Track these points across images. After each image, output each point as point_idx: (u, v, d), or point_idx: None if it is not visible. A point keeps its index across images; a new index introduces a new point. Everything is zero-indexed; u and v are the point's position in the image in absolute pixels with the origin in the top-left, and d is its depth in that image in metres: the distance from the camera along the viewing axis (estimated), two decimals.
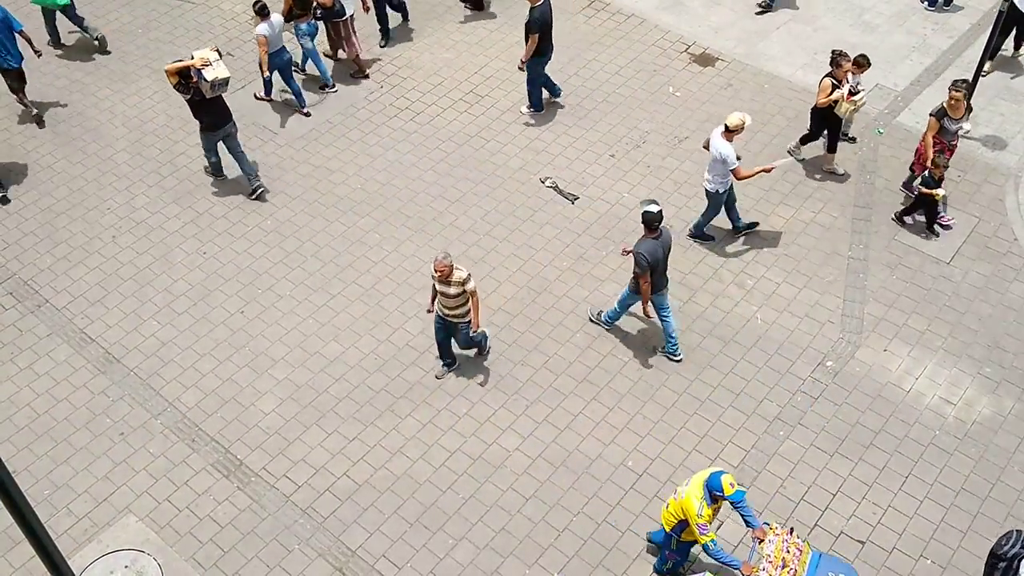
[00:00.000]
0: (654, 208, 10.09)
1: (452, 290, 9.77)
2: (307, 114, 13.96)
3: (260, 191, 12.74)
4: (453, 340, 10.50)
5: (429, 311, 10.44)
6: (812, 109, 12.60)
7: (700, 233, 12.14)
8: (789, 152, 13.14)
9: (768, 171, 11.58)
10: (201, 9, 15.77)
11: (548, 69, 13.70)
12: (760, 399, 10.61)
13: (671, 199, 12.71)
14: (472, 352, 10.90)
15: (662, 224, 10.21)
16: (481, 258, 12.05)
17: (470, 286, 9.78)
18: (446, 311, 10.04)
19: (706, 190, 11.67)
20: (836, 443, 10.24)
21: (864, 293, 11.63)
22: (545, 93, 13.98)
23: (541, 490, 9.88)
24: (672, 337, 10.81)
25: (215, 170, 13.00)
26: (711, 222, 12.03)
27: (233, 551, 9.44)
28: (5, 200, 12.53)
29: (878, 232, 12.26)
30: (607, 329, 11.21)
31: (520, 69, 13.62)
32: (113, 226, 12.49)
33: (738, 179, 11.48)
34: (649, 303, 10.44)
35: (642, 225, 10.19)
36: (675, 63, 14.84)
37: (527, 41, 13.02)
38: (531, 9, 12.85)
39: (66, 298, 11.65)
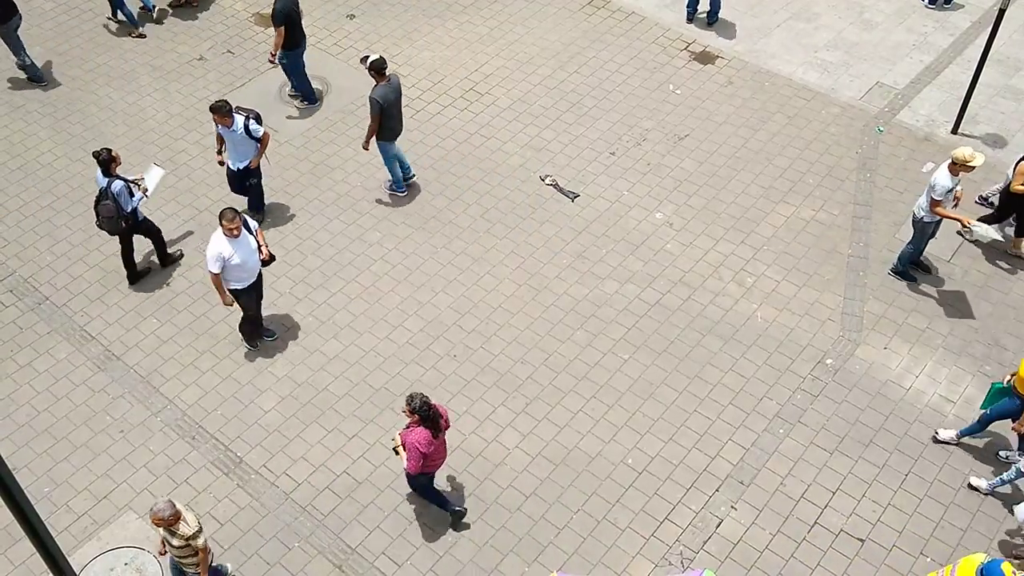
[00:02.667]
0: (376, 55, 11.67)
1: (176, 541, 8.13)
2: (142, 35, 14.68)
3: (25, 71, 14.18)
4: None
5: None
6: (1004, 192, 11.53)
7: (909, 267, 11.51)
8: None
9: (964, 224, 10.91)
10: (201, 7, 15.76)
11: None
12: (760, 397, 10.62)
13: (671, 197, 12.71)
14: None
15: (388, 70, 11.74)
16: (481, 255, 12.05)
17: (199, 542, 8.16)
18: (175, 555, 8.38)
19: (914, 214, 11.12)
20: (836, 441, 10.24)
21: (864, 291, 11.62)
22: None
23: (541, 488, 9.88)
24: (407, 174, 12.64)
25: (32, 74, 14.11)
26: (922, 253, 11.58)
27: (233, 548, 9.44)
28: (263, 343, 11.07)
29: (878, 230, 12.25)
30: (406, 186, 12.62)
31: (271, 62, 13.61)
32: None
33: (931, 210, 10.83)
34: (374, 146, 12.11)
35: (372, 73, 11.67)
36: (675, 61, 14.83)
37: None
38: (275, 2, 12.99)
39: (66, 295, 11.64)
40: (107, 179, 10.79)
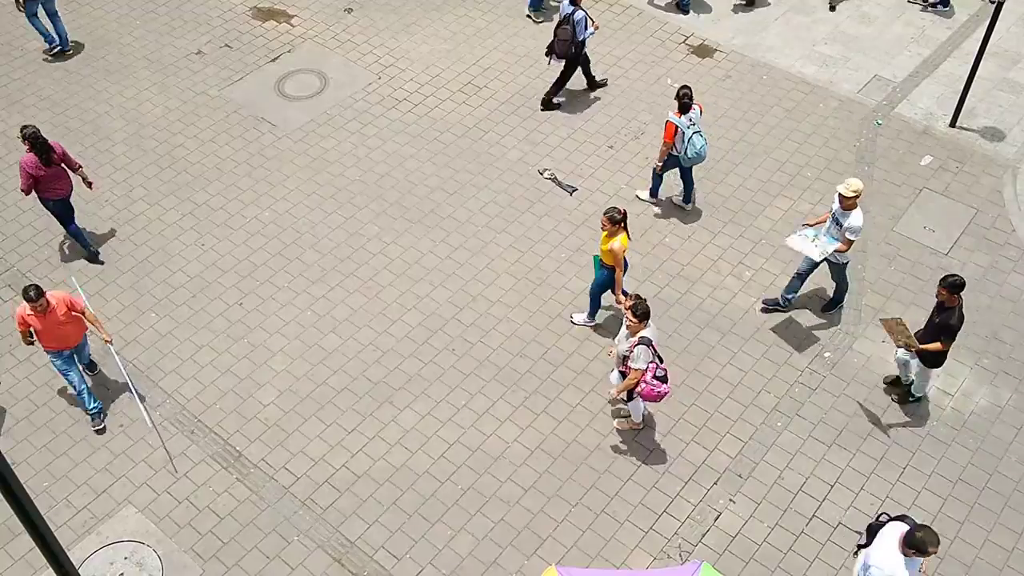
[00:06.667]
0: None
1: None
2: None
3: None
4: None
5: None
6: None
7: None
8: None
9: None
10: (199, 0, 15.74)
11: None
12: (758, 390, 10.63)
13: (669, 191, 12.71)
14: None
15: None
16: (479, 249, 12.05)
17: None
18: None
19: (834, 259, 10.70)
20: (834, 434, 10.26)
21: (862, 284, 11.63)
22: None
23: (540, 481, 9.90)
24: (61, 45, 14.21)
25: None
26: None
27: (232, 542, 9.46)
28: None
29: (876, 223, 12.26)
30: None
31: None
32: (111, 218, 12.48)
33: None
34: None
35: None
36: (673, 54, 14.82)
37: None
38: None
39: (64, 290, 11.62)
40: (572, 7, 12.53)
